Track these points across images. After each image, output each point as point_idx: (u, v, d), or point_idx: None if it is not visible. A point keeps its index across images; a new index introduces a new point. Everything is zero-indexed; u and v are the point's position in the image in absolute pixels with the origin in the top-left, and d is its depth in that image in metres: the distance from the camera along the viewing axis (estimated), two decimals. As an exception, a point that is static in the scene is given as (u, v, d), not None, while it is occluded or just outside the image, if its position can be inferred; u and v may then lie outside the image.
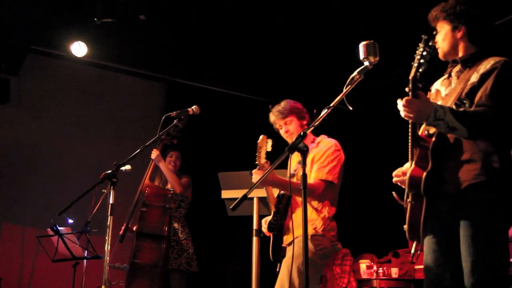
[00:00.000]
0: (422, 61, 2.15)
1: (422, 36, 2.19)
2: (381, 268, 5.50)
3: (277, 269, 3.26)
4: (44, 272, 5.59)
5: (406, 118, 2.20)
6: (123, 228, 4.39)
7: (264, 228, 3.38)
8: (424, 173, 2.17)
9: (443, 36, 2.39)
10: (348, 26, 5.28)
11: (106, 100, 6.54)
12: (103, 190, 4.40)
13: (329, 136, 3.44)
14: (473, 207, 2.16)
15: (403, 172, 2.39)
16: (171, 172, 4.76)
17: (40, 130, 6.08)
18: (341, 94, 2.29)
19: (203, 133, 6.46)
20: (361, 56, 2.37)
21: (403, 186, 2.38)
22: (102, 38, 5.68)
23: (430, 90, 2.53)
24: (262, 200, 3.88)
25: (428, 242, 2.32)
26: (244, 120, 6.52)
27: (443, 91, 2.41)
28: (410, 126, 2.24)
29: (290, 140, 3.38)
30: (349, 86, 2.33)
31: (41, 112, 6.14)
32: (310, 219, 3.16)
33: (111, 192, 3.03)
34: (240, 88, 7.01)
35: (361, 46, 2.38)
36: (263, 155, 3.17)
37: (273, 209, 3.30)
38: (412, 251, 2.29)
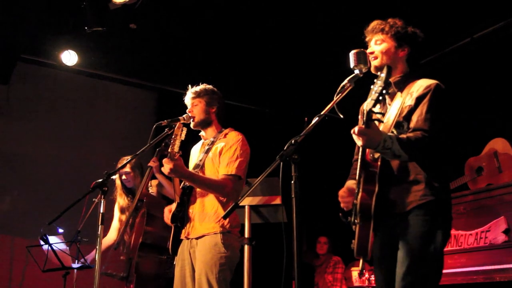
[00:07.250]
0: (380, 98, 2.18)
1: (380, 73, 2.26)
2: (373, 276, 5.50)
3: (174, 262, 3.21)
4: (34, 282, 5.53)
5: (357, 143, 2.29)
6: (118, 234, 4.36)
7: (167, 219, 3.30)
8: (374, 198, 2.27)
9: (385, 49, 2.48)
10: (340, 34, 5.31)
11: (97, 109, 6.52)
12: (93, 199, 4.38)
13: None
14: (416, 223, 2.30)
15: (349, 193, 2.45)
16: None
17: (29, 139, 6.03)
18: (332, 102, 2.30)
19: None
20: (351, 64, 2.39)
21: (346, 209, 2.46)
22: (92, 46, 5.68)
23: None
24: (253, 208, 3.87)
25: (377, 257, 2.45)
26: (235, 128, 6.50)
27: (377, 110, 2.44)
28: (360, 150, 2.33)
29: (193, 123, 3.40)
30: (340, 94, 2.34)
31: (31, 121, 6.09)
32: (218, 214, 3.14)
33: (102, 201, 3.02)
34: (230, 96, 7.00)
35: (351, 55, 2.40)
36: (177, 143, 3.12)
37: (177, 200, 3.24)
38: (360, 267, 2.36)
